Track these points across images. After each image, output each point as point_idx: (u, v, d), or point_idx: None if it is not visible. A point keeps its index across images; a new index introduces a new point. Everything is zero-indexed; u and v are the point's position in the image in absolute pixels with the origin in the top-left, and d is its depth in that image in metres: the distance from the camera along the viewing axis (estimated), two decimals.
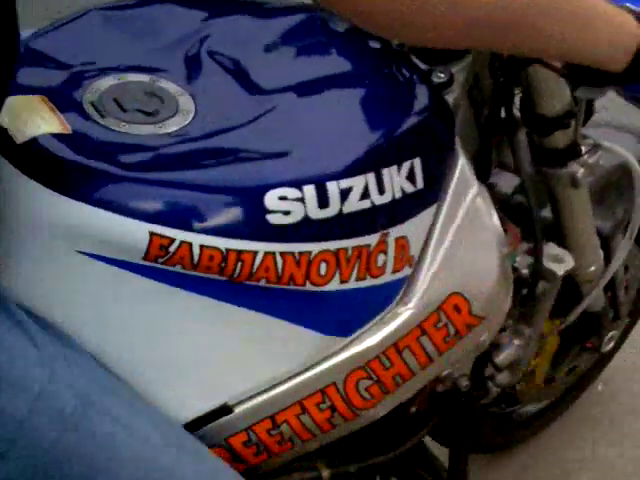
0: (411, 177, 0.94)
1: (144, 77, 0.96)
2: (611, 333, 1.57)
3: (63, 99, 0.91)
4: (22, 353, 0.83)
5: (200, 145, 0.90)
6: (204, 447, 0.96)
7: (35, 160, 0.86)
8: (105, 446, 0.86)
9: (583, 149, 1.18)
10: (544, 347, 1.49)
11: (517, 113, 1.15)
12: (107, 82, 0.94)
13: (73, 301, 0.91)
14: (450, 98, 1.04)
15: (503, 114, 1.14)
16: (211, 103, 0.95)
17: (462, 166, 1.02)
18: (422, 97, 1.00)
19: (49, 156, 0.85)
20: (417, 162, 0.95)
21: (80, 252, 0.87)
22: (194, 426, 0.97)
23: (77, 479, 0.85)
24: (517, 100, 1.14)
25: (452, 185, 1.01)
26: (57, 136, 0.87)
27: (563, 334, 1.52)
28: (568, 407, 1.86)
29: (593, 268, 1.34)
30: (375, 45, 1.04)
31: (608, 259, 1.38)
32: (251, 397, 0.99)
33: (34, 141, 0.86)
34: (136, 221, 0.85)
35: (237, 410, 0.99)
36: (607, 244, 1.41)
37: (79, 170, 0.85)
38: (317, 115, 0.95)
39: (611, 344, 1.58)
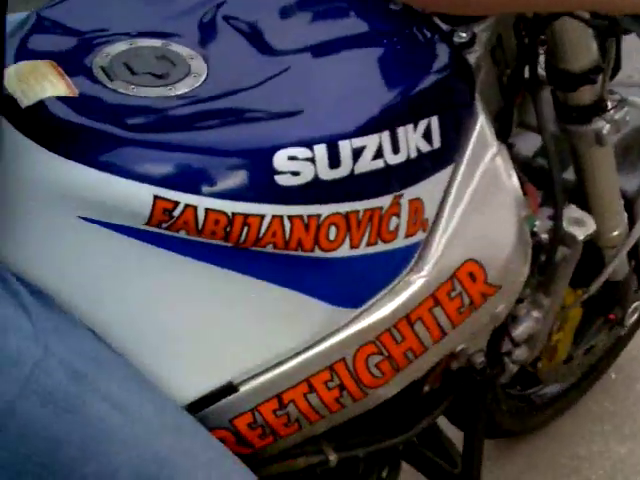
0: (427, 136, 0.94)
1: (156, 42, 0.96)
2: (635, 304, 1.56)
3: (72, 64, 0.92)
4: (16, 327, 0.83)
5: (209, 106, 0.90)
6: (205, 430, 0.96)
7: (39, 123, 0.86)
8: (99, 429, 0.86)
9: (609, 105, 1.17)
10: (566, 321, 1.48)
11: (541, 72, 1.14)
12: (118, 47, 0.95)
13: (72, 269, 0.91)
14: (472, 58, 1.04)
15: (526, 74, 1.13)
16: (224, 65, 0.94)
17: (481, 126, 1.01)
18: (442, 56, 0.99)
19: (53, 119, 0.86)
20: (434, 121, 0.94)
21: (82, 218, 0.87)
22: (197, 406, 0.97)
23: (69, 464, 0.85)
24: (541, 59, 1.14)
25: (470, 145, 1.00)
26: (63, 99, 0.87)
27: (586, 306, 1.51)
28: (587, 390, 1.85)
29: (616, 232, 1.34)
30: (396, 7, 1.04)
31: (632, 223, 1.37)
32: (257, 375, 0.99)
33: (39, 104, 0.86)
34: (140, 184, 0.85)
35: (242, 389, 0.98)
36: (631, 207, 1.40)
37: (83, 133, 0.86)
38: (332, 75, 0.95)
39: (635, 316, 1.57)
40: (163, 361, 0.95)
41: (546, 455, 1.76)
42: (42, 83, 0.88)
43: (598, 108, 1.16)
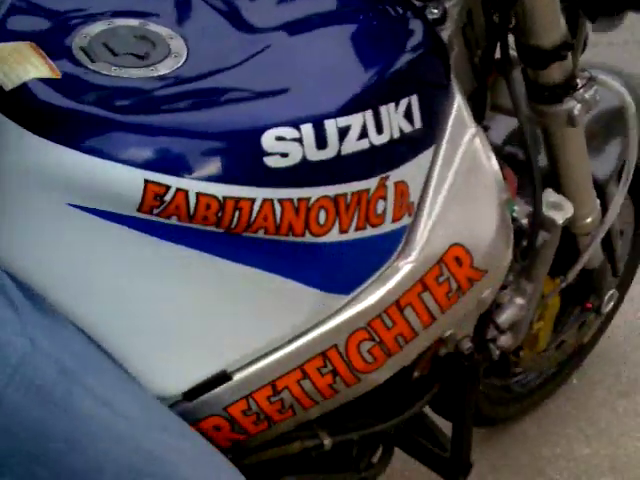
0: (409, 115, 0.96)
1: (134, 22, 0.97)
2: (610, 292, 1.60)
3: (52, 45, 0.92)
4: (3, 320, 0.83)
5: (194, 87, 0.91)
6: (190, 428, 0.97)
7: (24, 106, 0.86)
8: (86, 424, 0.87)
9: (579, 83, 1.19)
10: (546, 310, 1.52)
11: (513, 52, 1.16)
12: (97, 27, 0.95)
13: (62, 259, 0.91)
14: (444, 35, 1.06)
15: (497, 54, 1.15)
16: (203, 45, 0.95)
17: (458, 105, 1.04)
18: (417, 33, 1.01)
19: (39, 102, 0.85)
20: (414, 99, 0.96)
21: (71, 205, 0.87)
22: (192, 395, 0.98)
23: (53, 456, 0.85)
24: (511, 39, 1.16)
25: (449, 125, 1.02)
26: (47, 81, 0.87)
27: (563, 296, 1.55)
28: (566, 380, 1.90)
29: (590, 219, 1.37)
30: None
31: (604, 210, 1.40)
32: (250, 363, 1.00)
33: (23, 87, 0.86)
34: (130, 168, 0.85)
35: (236, 377, 1.00)
36: (602, 193, 1.43)
37: (69, 115, 0.85)
38: (312, 53, 0.97)
39: (611, 304, 1.61)
40: (156, 351, 0.96)
41: (510, 456, 1.78)
42: (24, 65, 0.88)
43: (569, 86, 1.19)
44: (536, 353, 1.59)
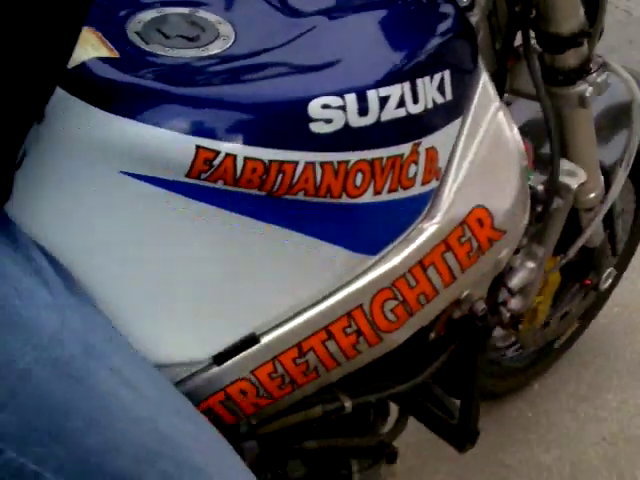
0: (441, 88, 1.05)
1: (184, 10, 1.05)
2: (608, 270, 1.69)
3: (109, 31, 0.99)
4: (37, 297, 0.87)
5: (243, 63, 0.98)
6: (202, 416, 1.00)
7: (84, 82, 0.92)
8: (107, 403, 0.89)
9: (592, 67, 1.29)
10: (546, 286, 1.60)
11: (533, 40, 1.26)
12: (149, 14, 1.03)
13: (108, 226, 0.97)
14: (472, 20, 1.15)
15: (518, 40, 1.25)
16: (251, 28, 1.03)
17: (484, 82, 1.13)
18: (449, 18, 1.10)
19: (98, 77, 0.92)
20: (447, 74, 1.05)
21: (123, 173, 0.93)
22: (221, 359, 1.04)
23: (72, 435, 0.88)
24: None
25: (475, 99, 1.11)
26: (105, 59, 0.94)
27: (563, 273, 1.64)
28: (558, 357, 1.98)
29: (593, 194, 1.46)
30: None
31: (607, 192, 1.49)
32: (278, 325, 1.06)
33: (83, 65, 0.92)
34: (183, 135, 0.92)
35: (264, 340, 1.06)
36: (608, 179, 1.52)
37: (127, 89, 0.92)
38: (354, 33, 1.05)
39: (609, 282, 1.70)
40: (191, 314, 1.02)
41: (472, 464, 1.80)
42: (85, 47, 0.94)
43: (583, 70, 1.29)
44: (535, 327, 1.68)
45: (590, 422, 1.91)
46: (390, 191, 1.04)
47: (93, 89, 0.92)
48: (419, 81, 1.02)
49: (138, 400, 0.92)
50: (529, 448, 1.86)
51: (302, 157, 0.96)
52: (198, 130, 0.92)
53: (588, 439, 1.88)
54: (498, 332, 1.64)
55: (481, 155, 1.13)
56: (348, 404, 1.21)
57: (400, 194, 1.05)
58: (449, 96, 1.06)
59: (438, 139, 1.07)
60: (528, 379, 1.96)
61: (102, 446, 0.89)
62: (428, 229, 1.11)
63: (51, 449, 0.87)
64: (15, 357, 0.84)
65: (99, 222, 0.97)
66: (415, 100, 1.01)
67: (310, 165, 0.97)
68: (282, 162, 0.95)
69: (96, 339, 0.91)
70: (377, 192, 1.03)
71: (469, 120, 1.11)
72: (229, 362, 1.05)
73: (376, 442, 1.33)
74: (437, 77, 1.04)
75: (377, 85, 0.99)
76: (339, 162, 0.99)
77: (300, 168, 0.97)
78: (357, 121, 0.98)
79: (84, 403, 0.88)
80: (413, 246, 1.11)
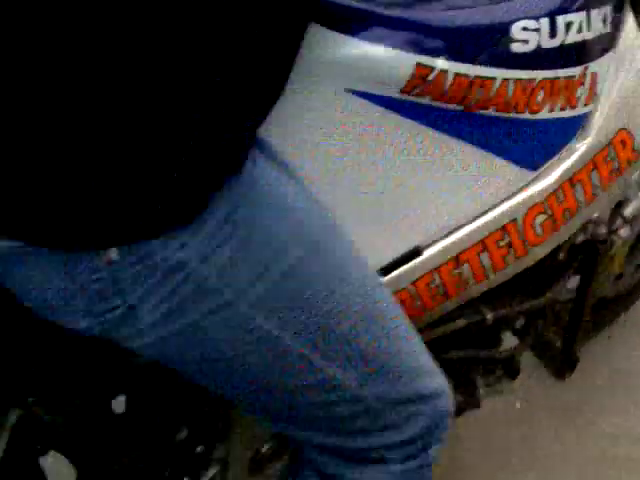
0: (604, 20, 1.23)
1: None
2: None
3: None
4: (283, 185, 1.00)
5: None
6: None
7: (320, 8, 1.04)
8: (345, 273, 1.01)
9: None
10: None
11: None
12: None
13: (335, 140, 1.10)
14: None
15: None
16: None
17: (630, 20, 1.32)
18: None
19: (332, 4, 1.05)
20: (609, 9, 1.24)
21: (348, 90, 1.07)
22: (388, 270, 1.16)
23: (312, 297, 0.99)
24: None
25: (624, 34, 1.30)
26: None
27: None
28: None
29: None
30: None
31: None
32: (440, 238, 1.20)
33: None
34: (405, 53, 1.07)
35: (426, 252, 1.20)
36: None
37: (357, 12, 1.07)
38: None
39: None
40: (368, 225, 1.14)
41: None
42: None
43: None
44: (610, 275, 1.82)
45: (570, 442, 1.84)
46: (561, 109, 1.21)
47: (327, 13, 1.05)
48: (593, 12, 1.20)
49: (363, 273, 1.03)
50: (512, 471, 1.79)
51: (500, 74, 1.13)
52: (419, 48, 1.08)
53: (569, 459, 1.80)
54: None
55: (627, 82, 1.31)
56: (490, 316, 1.36)
57: (567, 113, 1.23)
58: (608, 28, 1.24)
59: (600, 65, 1.25)
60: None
61: (335, 310, 1.00)
62: (580, 148, 1.29)
63: (293, 314, 0.98)
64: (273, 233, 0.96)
65: (320, 137, 1.09)
66: (589, 28, 1.19)
67: (505, 81, 1.14)
68: (484, 78, 1.12)
69: (328, 234, 1.02)
70: (551, 109, 1.20)
71: (619, 51, 1.29)
72: (394, 273, 1.18)
73: (507, 355, 1.49)
74: (603, 10, 1.22)
75: (564, 11, 1.16)
76: (528, 79, 1.16)
77: (497, 84, 1.13)
78: (547, 43, 1.15)
79: (324, 270, 1.00)
80: (568, 163, 1.28)
